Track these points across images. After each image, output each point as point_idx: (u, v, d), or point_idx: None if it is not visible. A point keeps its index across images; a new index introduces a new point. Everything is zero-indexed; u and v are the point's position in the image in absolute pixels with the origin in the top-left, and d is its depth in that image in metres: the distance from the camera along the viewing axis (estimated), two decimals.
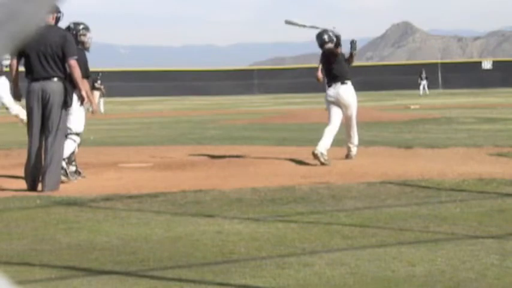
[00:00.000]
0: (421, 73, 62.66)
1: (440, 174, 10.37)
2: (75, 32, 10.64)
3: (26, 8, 1.04)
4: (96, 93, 28.72)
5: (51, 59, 9.74)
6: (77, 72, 9.76)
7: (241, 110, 38.36)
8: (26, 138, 10.00)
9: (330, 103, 12.56)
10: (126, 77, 74.63)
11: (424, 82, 61.45)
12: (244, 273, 5.50)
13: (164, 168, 11.70)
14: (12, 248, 6.46)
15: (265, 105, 45.95)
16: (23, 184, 10.29)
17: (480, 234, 6.64)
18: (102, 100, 35.03)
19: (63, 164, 10.21)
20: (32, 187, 9.70)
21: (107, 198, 8.96)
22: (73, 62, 9.75)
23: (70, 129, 10.54)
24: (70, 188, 9.90)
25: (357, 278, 5.33)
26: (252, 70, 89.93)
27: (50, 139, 9.70)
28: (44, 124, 9.76)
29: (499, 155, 12.82)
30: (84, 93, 10.08)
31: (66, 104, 9.83)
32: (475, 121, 23.06)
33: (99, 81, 32.60)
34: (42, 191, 9.53)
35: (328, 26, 12.90)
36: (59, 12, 9.92)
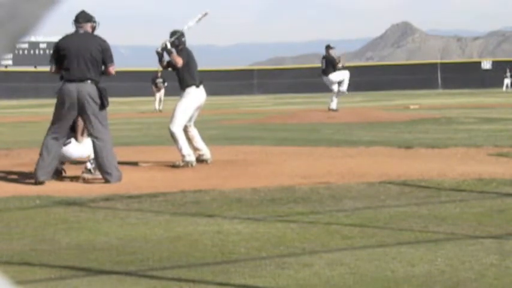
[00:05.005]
0: (505, 72, 63.05)
1: (440, 174, 10.37)
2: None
3: (26, 8, 1.04)
4: None
5: (89, 62, 10.34)
6: (110, 76, 10.63)
7: (241, 110, 38.35)
8: (25, 138, 10.03)
9: None
10: (126, 77, 74.61)
11: (508, 80, 61.66)
12: (244, 273, 5.51)
13: (164, 169, 11.71)
14: (12, 248, 6.46)
15: (265, 105, 45.94)
16: (23, 184, 10.31)
17: (480, 234, 6.64)
18: None
19: (88, 164, 10.66)
20: (37, 181, 10.15)
21: (107, 199, 8.96)
22: (112, 69, 10.52)
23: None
24: (70, 188, 9.91)
25: (356, 278, 5.33)
26: (252, 70, 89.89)
27: (96, 137, 10.33)
28: (85, 124, 10.45)
29: (499, 155, 12.82)
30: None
31: (103, 106, 10.40)
32: (475, 121, 23.06)
33: None
34: (108, 182, 10.19)
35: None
36: (95, 22, 10.64)
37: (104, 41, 10.58)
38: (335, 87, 26.68)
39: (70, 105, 10.30)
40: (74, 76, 10.32)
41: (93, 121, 10.33)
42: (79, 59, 10.32)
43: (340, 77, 26.44)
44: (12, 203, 8.74)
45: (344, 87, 26.48)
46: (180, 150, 11.92)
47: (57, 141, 10.35)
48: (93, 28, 10.66)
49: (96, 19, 10.72)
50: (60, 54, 10.43)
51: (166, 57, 12.44)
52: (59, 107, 10.41)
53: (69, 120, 10.41)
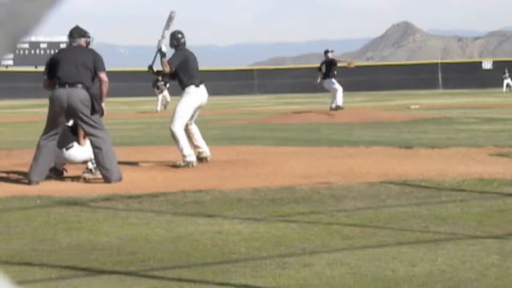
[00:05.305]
0: (504, 72, 62.79)
1: (440, 174, 10.37)
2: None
3: (27, 8, 1.04)
4: None
5: (80, 67, 10.46)
6: (105, 86, 10.62)
7: (241, 110, 38.36)
8: (25, 138, 10.03)
9: None
10: (125, 77, 74.62)
11: (508, 81, 61.44)
12: (245, 273, 5.50)
13: (164, 168, 11.71)
14: (12, 247, 6.46)
15: (266, 105, 45.94)
16: (23, 184, 10.31)
17: (480, 234, 6.64)
18: None
19: (89, 164, 10.72)
20: (31, 183, 10.19)
21: (107, 198, 8.96)
22: (103, 76, 10.58)
23: None
24: (70, 188, 9.91)
25: (357, 278, 5.33)
26: (253, 70, 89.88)
27: (94, 136, 10.39)
28: (82, 127, 10.53)
29: (500, 155, 12.82)
30: (104, 106, 10.68)
31: (94, 110, 10.44)
32: (476, 121, 23.06)
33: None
34: (109, 182, 10.21)
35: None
36: (89, 37, 10.91)
37: (97, 52, 10.80)
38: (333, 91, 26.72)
39: (60, 110, 10.40)
40: (64, 79, 10.43)
41: (89, 122, 10.43)
42: (70, 64, 10.49)
43: (331, 86, 26.48)
44: (12, 203, 8.75)
45: (339, 101, 26.49)
46: (181, 150, 11.94)
47: (50, 145, 10.45)
48: (87, 43, 10.91)
49: (91, 34, 10.99)
50: (52, 64, 10.61)
51: (158, 63, 12.48)
52: (50, 111, 10.54)
53: (61, 124, 10.56)
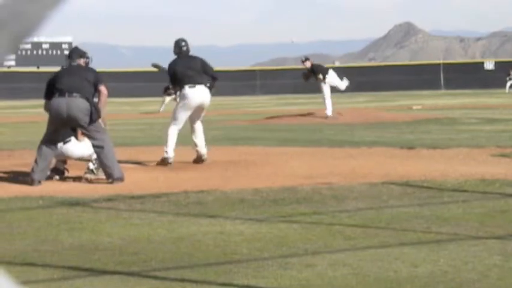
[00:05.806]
0: (508, 74, 62.66)
1: (442, 174, 10.36)
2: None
3: (29, 8, 1.04)
4: None
5: (81, 78, 10.62)
6: (104, 97, 10.78)
7: (243, 110, 38.36)
8: (27, 138, 10.03)
9: None
10: (127, 78, 74.59)
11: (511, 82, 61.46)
12: (247, 273, 5.51)
13: (166, 169, 11.71)
14: (15, 248, 6.47)
15: (268, 105, 45.92)
16: (25, 184, 10.32)
17: (482, 235, 6.64)
18: None
19: (90, 164, 10.76)
20: (33, 183, 10.21)
21: (110, 199, 8.97)
22: (103, 88, 10.80)
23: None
24: (73, 189, 9.92)
25: (359, 278, 5.33)
26: (255, 71, 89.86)
27: (95, 138, 10.47)
28: (82, 132, 10.68)
29: (502, 155, 12.81)
30: (101, 119, 10.73)
31: (91, 120, 10.50)
32: (478, 122, 23.05)
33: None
34: (112, 180, 10.29)
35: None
36: (88, 57, 11.18)
37: (96, 70, 11.06)
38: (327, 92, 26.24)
39: (59, 120, 10.50)
40: (64, 89, 10.49)
41: (89, 128, 10.51)
42: (71, 76, 10.66)
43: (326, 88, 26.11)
44: (14, 204, 8.75)
45: (328, 110, 25.84)
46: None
47: (51, 146, 10.53)
48: (86, 64, 11.13)
49: (89, 55, 11.25)
50: (52, 84, 10.72)
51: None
52: (50, 119, 10.64)
53: (61, 131, 10.64)
